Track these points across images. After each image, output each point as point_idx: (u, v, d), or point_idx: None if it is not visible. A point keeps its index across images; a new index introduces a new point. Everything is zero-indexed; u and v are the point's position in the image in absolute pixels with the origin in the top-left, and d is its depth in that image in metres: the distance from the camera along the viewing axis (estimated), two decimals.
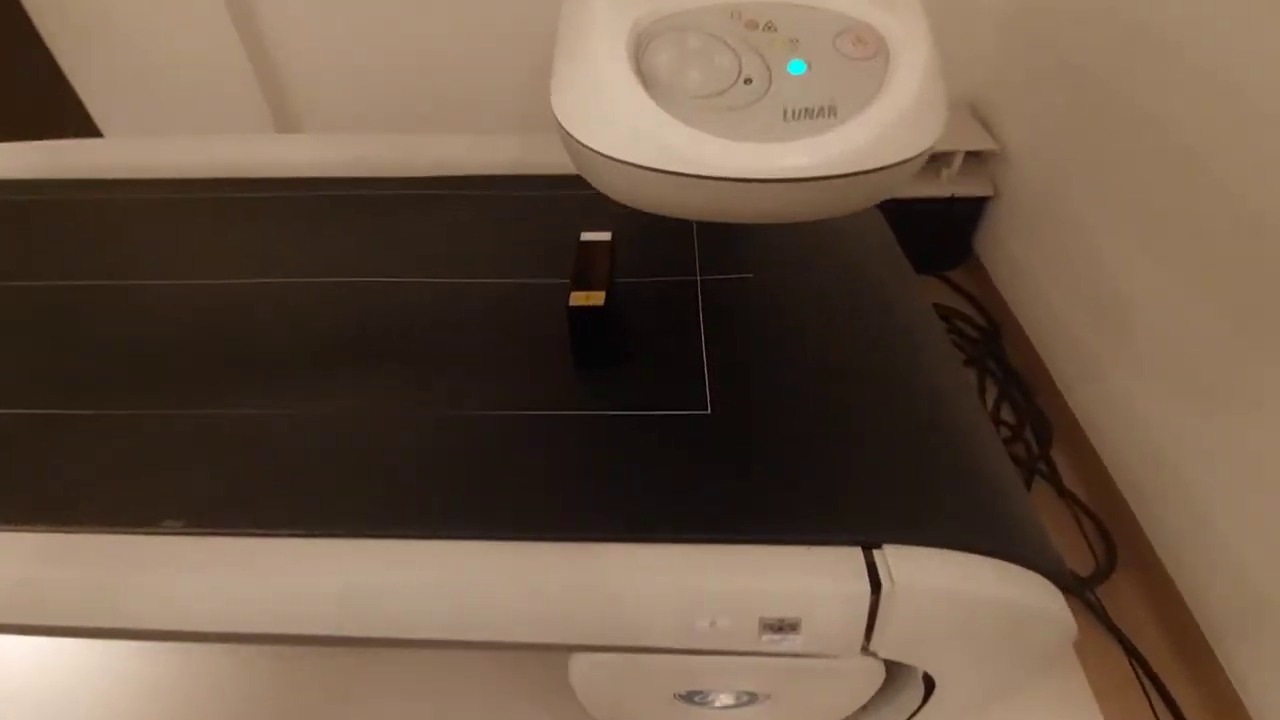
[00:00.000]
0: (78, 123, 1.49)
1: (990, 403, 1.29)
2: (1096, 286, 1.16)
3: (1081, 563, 1.07)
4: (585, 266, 0.56)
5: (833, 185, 0.30)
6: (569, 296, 0.53)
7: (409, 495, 0.45)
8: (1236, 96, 0.87)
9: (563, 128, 0.33)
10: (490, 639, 0.43)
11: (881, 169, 0.30)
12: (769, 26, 0.31)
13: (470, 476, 0.46)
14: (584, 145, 0.31)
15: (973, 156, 1.51)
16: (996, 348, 1.39)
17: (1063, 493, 1.15)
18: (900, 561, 0.41)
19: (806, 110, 0.30)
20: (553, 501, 0.44)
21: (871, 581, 0.40)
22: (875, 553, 0.42)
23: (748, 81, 0.31)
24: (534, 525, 0.43)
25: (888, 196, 0.35)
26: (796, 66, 0.31)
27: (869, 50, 0.31)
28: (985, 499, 0.46)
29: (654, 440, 0.49)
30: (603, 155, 0.31)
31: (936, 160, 1.49)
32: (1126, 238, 1.08)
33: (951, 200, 1.47)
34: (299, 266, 0.64)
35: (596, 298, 0.54)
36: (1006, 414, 1.28)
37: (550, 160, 0.79)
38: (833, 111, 0.30)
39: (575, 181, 0.81)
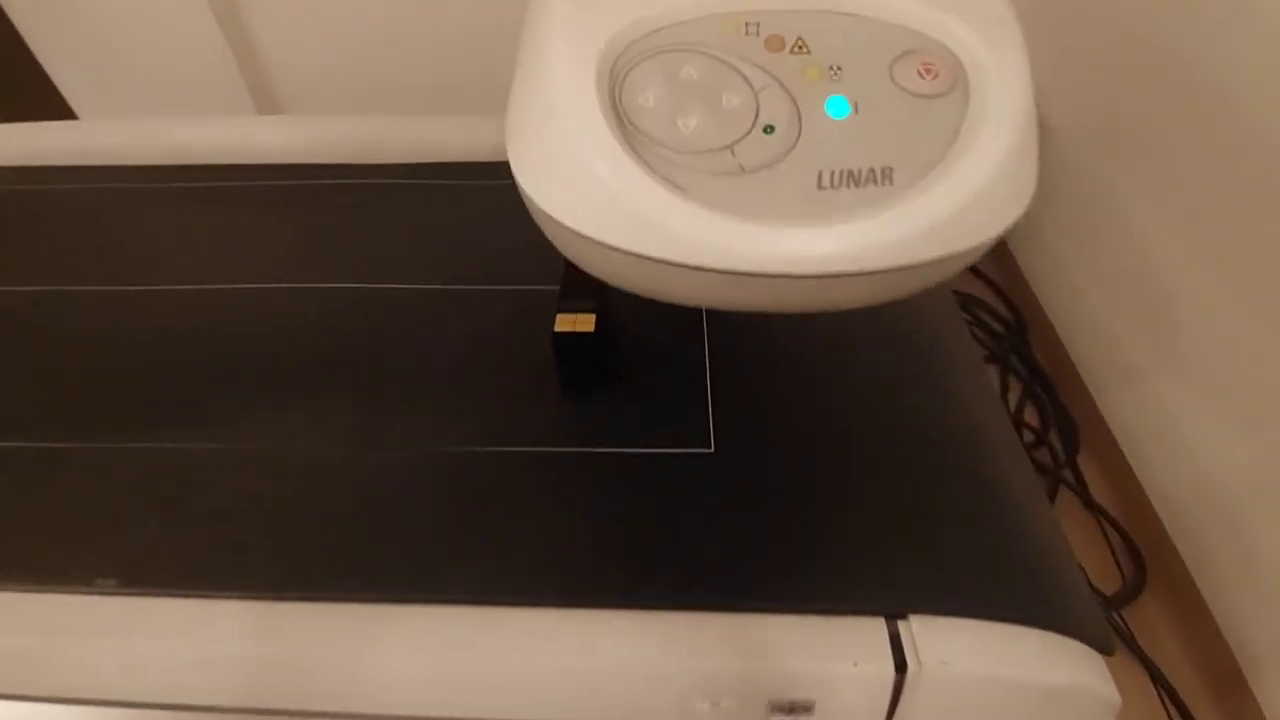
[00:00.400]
0: (51, 105, 1.38)
1: (1013, 404, 1.21)
2: (1141, 282, 1.06)
3: (1108, 580, 1.00)
4: (574, 282, 0.47)
5: (884, 278, 0.21)
6: (554, 319, 0.45)
7: (370, 551, 0.38)
8: None
9: (524, 192, 0.24)
10: (463, 717, 0.37)
11: (953, 257, 0.21)
12: (800, 46, 0.22)
13: (439, 529, 0.39)
14: (546, 213, 0.22)
15: None
16: (1021, 343, 1.30)
17: (1090, 505, 1.07)
18: (928, 636, 0.35)
19: (851, 174, 0.21)
20: (531, 560, 0.37)
21: (896, 661, 0.34)
22: (900, 624, 0.36)
23: (768, 130, 0.21)
24: (507, 588, 0.36)
25: (934, 284, 0.26)
26: (838, 106, 0.21)
27: (942, 82, 0.22)
28: (1021, 555, 0.39)
29: (650, 485, 0.42)
30: (569, 230, 0.22)
31: None
32: (1179, 231, 0.98)
33: None
34: (261, 269, 0.56)
35: (585, 322, 0.45)
36: (1030, 416, 1.19)
37: None
38: (888, 175, 0.21)
39: None
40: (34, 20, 1.30)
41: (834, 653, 0.34)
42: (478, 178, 0.65)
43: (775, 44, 0.22)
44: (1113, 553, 1.03)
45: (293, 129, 0.74)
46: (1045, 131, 1.32)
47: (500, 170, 0.63)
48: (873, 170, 0.21)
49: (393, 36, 1.39)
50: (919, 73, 0.22)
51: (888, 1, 0.22)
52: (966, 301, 1.36)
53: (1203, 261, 0.93)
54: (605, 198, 0.21)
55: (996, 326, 1.34)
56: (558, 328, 0.45)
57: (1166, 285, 0.99)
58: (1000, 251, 1.46)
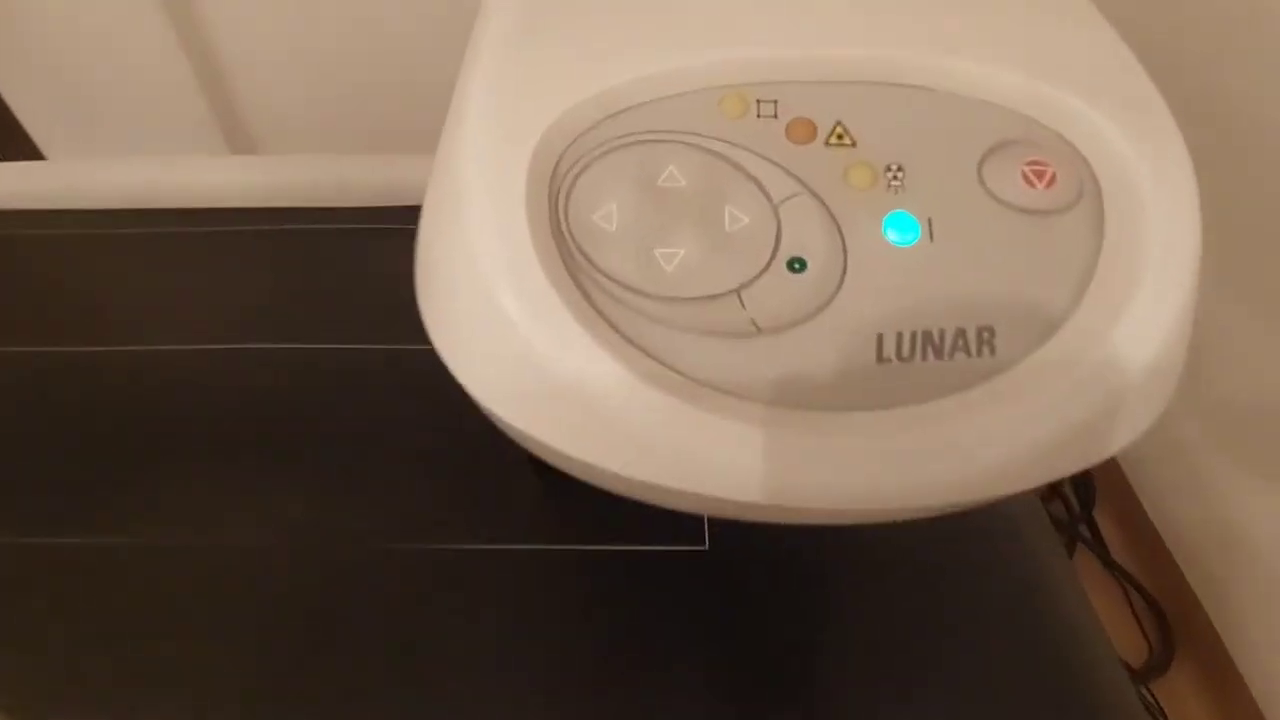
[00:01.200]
0: (17, 145, 1.30)
1: None
2: None
3: (1133, 651, 0.92)
4: None
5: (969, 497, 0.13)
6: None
7: (309, 672, 0.30)
8: None
9: (451, 370, 0.16)
10: None
11: (1070, 466, 0.13)
12: (840, 136, 0.14)
13: (392, 640, 0.31)
14: (488, 409, 0.15)
15: None
16: (1084, 507, 1.22)
17: (1109, 564, 0.99)
18: None
19: (929, 337, 0.13)
20: (498, 690, 0.29)
21: None
22: None
23: (796, 266, 0.13)
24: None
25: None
26: (904, 227, 0.14)
27: (1061, 192, 0.14)
28: (1066, 675, 0.31)
29: (636, 589, 0.34)
30: (504, 422, 0.14)
31: None
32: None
33: None
34: (214, 329, 0.49)
35: None
36: None
37: None
38: (987, 340, 0.13)
39: None
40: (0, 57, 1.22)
41: None
42: None
43: (802, 132, 0.14)
44: (1137, 619, 0.94)
45: (266, 169, 0.67)
46: None
47: None
48: (962, 332, 0.13)
49: (371, 80, 1.32)
50: (1025, 176, 0.14)
51: (970, 69, 0.15)
52: None
53: (1215, 287, 0.86)
54: (545, 382, 0.13)
55: None
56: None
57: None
58: None
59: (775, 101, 0.15)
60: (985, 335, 0.13)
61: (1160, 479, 0.99)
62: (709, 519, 0.35)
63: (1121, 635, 0.92)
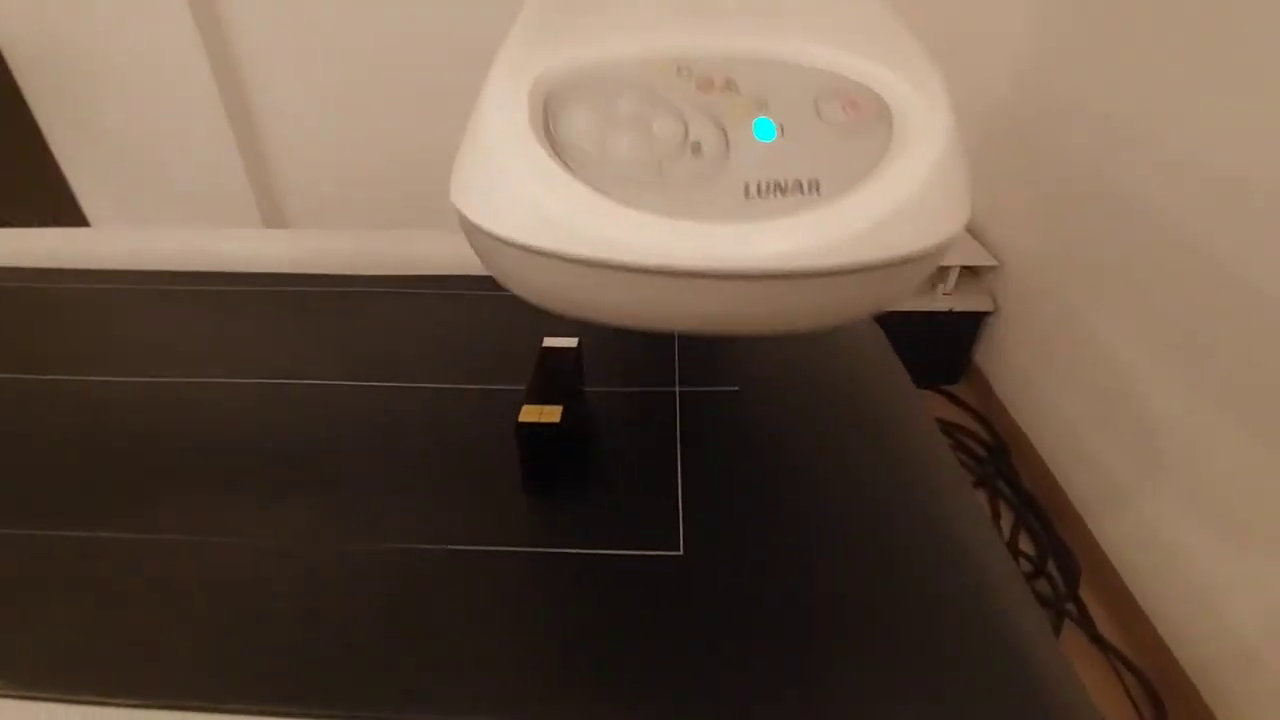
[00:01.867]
0: (68, 212, 1.46)
1: (1006, 531, 1.15)
2: (1116, 402, 1.05)
3: None
4: (544, 376, 0.47)
5: (811, 285, 0.21)
6: (519, 411, 0.43)
7: (303, 661, 0.32)
8: (1238, 188, 0.80)
9: (459, 211, 0.24)
10: None
11: (882, 264, 0.20)
12: (729, 86, 0.23)
13: (389, 633, 0.34)
14: (480, 228, 0.22)
15: (968, 271, 1.46)
16: (1006, 468, 1.27)
17: (1096, 639, 0.99)
18: None
19: (778, 184, 0.21)
20: (481, 680, 0.32)
21: None
22: None
23: (696, 149, 0.22)
24: (458, 703, 0.30)
25: (881, 309, 0.25)
26: (765, 129, 0.22)
27: (865, 116, 0.22)
28: (1034, 699, 0.33)
29: (612, 591, 0.37)
30: (501, 240, 0.21)
31: (932, 274, 1.43)
32: (1147, 352, 0.99)
33: (949, 314, 1.40)
34: (234, 365, 0.55)
35: (551, 414, 0.44)
36: (1025, 544, 1.14)
37: None
38: (815, 187, 0.21)
39: None
40: (60, 131, 1.39)
41: None
42: (470, 288, 0.66)
43: (705, 85, 0.23)
44: (1127, 692, 0.93)
45: (294, 242, 0.76)
46: (1007, 271, 1.38)
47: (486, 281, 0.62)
48: (799, 182, 0.21)
49: (405, 167, 1.50)
50: (843, 107, 0.23)
51: (815, 50, 0.24)
52: (947, 428, 1.35)
53: (1180, 383, 0.93)
54: (531, 202, 0.21)
55: (980, 451, 1.32)
56: (522, 418, 0.43)
57: (1146, 407, 0.99)
58: (976, 380, 1.47)
59: (690, 68, 0.24)
60: (814, 184, 0.21)
61: (1137, 558, 1.01)
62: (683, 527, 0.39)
63: (1114, 710, 0.90)
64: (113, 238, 0.77)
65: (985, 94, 1.40)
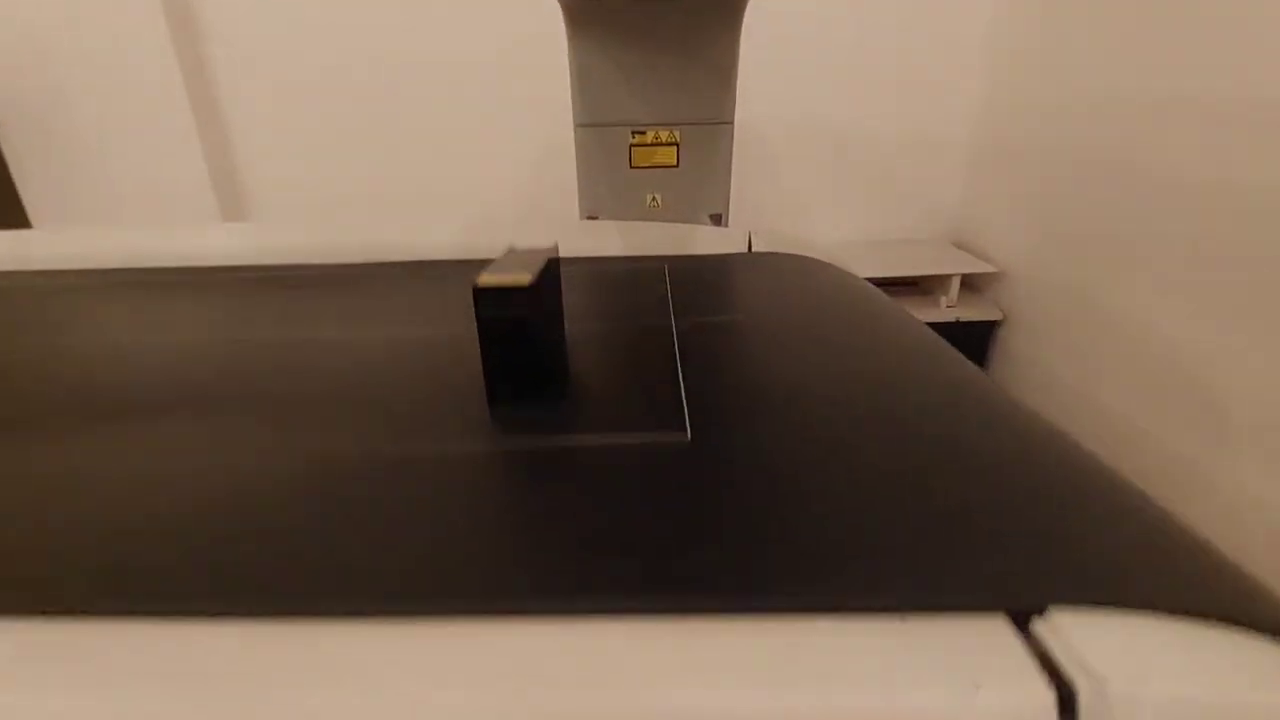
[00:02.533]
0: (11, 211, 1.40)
1: None
2: (1151, 387, 0.95)
3: None
4: (510, 261, 0.37)
5: None
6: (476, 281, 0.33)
7: (299, 556, 0.24)
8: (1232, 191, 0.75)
9: None
10: None
11: None
12: None
13: (361, 533, 0.25)
14: None
15: (970, 285, 1.39)
16: None
17: None
18: (1089, 639, 0.19)
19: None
20: (476, 556, 0.23)
21: (1054, 683, 0.18)
22: (1038, 624, 0.19)
23: None
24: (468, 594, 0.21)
25: None
26: None
27: None
28: (1146, 533, 0.24)
29: (615, 482, 0.28)
30: None
31: (934, 288, 1.37)
32: (1178, 324, 0.91)
33: (957, 324, 1.33)
34: (205, 332, 0.49)
35: (520, 278, 0.34)
36: None
37: (496, 246, 0.69)
38: None
39: None
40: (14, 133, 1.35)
41: (935, 673, 0.18)
42: (432, 272, 0.61)
43: None
44: None
45: (257, 235, 0.72)
46: (1010, 280, 1.32)
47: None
48: None
49: (372, 199, 1.47)
50: None
51: None
52: None
53: (1209, 345, 0.84)
54: None
55: None
56: (480, 283, 0.34)
57: (1184, 382, 0.89)
58: None
59: None
60: None
61: None
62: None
63: None
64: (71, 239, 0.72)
65: (961, 123, 1.41)
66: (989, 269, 1.33)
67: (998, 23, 1.32)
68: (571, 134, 0.88)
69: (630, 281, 0.55)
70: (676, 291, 0.50)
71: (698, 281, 0.53)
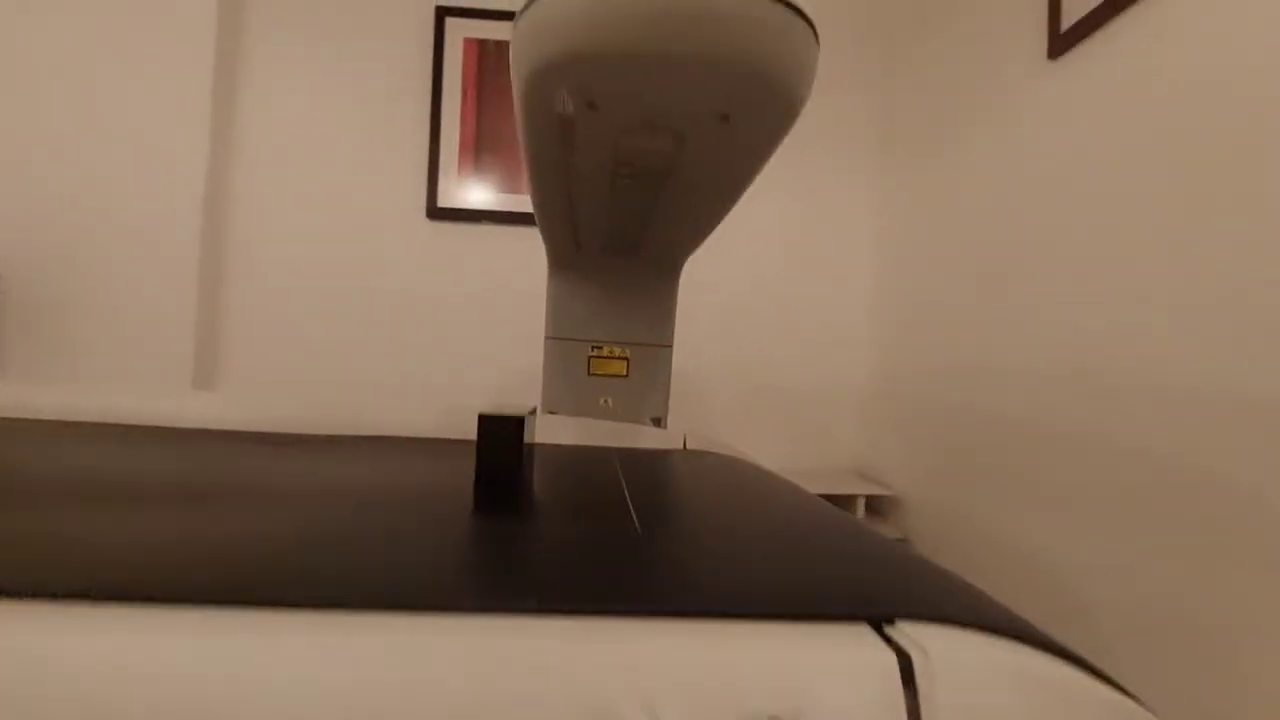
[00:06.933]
0: None
1: None
2: (1050, 605, 1.06)
3: None
4: (501, 406, 0.49)
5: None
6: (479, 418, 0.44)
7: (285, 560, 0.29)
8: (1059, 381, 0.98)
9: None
10: None
11: None
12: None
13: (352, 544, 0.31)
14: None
15: (873, 507, 1.55)
16: None
17: None
18: (922, 634, 0.28)
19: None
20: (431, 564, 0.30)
21: (898, 655, 0.27)
22: (888, 628, 0.29)
23: None
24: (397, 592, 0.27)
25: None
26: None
27: None
28: (956, 586, 0.34)
29: (578, 551, 0.35)
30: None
31: (843, 507, 1.50)
32: (1053, 539, 1.06)
33: None
34: (178, 467, 0.50)
35: (517, 410, 0.46)
36: None
37: (471, 429, 0.76)
38: None
39: None
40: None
41: (820, 651, 0.27)
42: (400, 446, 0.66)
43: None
44: None
45: (232, 402, 0.75)
46: (906, 504, 1.48)
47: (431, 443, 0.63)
48: None
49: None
50: None
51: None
52: None
53: (1096, 565, 0.98)
54: None
55: None
56: (484, 412, 0.45)
57: (1077, 601, 1.01)
58: None
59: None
60: None
61: None
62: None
63: None
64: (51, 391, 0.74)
65: (855, 370, 1.71)
66: (888, 493, 1.50)
67: (877, 305, 1.68)
68: (534, 345, 1.04)
69: (585, 463, 0.61)
70: (628, 474, 0.56)
71: (645, 468, 0.60)
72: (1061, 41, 0.99)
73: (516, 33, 0.42)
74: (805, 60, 0.37)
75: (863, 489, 1.50)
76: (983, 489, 1.22)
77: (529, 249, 1.65)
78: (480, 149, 1.63)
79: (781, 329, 1.70)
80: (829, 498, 1.51)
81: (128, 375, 1.45)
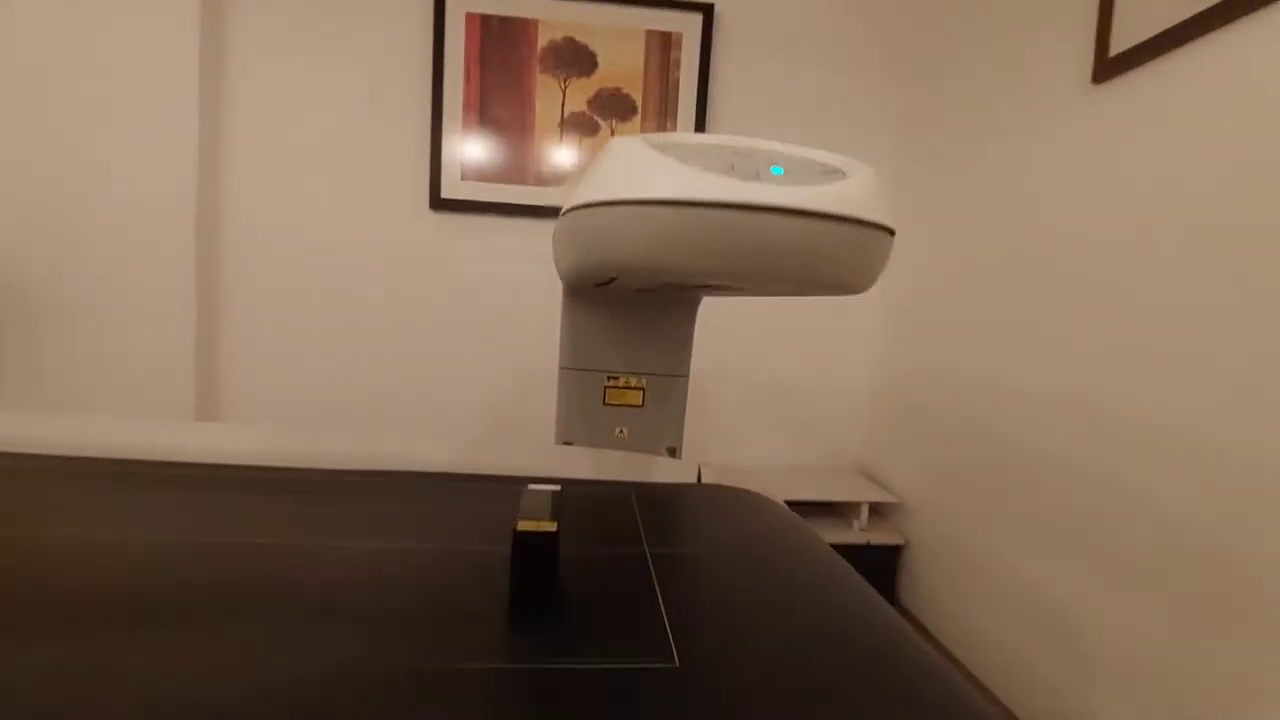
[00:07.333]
0: None
1: None
2: (1028, 613, 1.09)
3: None
4: (531, 508, 0.48)
5: (801, 225, 0.29)
6: (515, 526, 0.43)
7: None
8: (1095, 424, 0.98)
9: (598, 202, 0.32)
10: None
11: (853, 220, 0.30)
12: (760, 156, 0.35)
13: None
14: (623, 201, 0.30)
15: (877, 511, 1.57)
16: None
17: None
18: None
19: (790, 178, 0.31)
20: None
21: None
22: None
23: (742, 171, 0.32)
24: None
25: (846, 271, 0.34)
26: (777, 170, 0.33)
27: (827, 168, 0.34)
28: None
29: (614, 706, 0.34)
30: (640, 202, 0.29)
31: (845, 513, 1.54)
32: (1054, 566, 1.07)
33: (868, 547, 1.47)
34: (204, 529, 0.51)
35: (548, 525, 0.45)
36: None
37: (487, 463, 0.76)
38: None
39: (513, 480, 0.73)
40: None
41: None
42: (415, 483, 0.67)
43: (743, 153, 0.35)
44: None
45: (246, 437, 0.74)
46: (909, 509, 1.50)
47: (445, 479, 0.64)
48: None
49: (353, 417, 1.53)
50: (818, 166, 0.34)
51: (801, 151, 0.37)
52: None
53: (1086, 583, 1.00)
54: (655, 177, 0.30)
55: None
56: (520, 528, 0.44)
57: (1054, 608, 1.03)
58: (904, 611, 1.48)
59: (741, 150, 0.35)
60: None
61: None
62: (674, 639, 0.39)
63: None
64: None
65: (864, 374, 1.70)
66: (891, 499, 1.51)
67: (885, 309, 1.66)
68: (546, 371, 1.03)
69: (605, 506, 0.62)
70: (645, 518, 0.58)
71: (662, 510, 0.61)
72: (1109, 67, 0.94)
73: (571, 224, 0.38)
74: (880, 263, 0.35)
75: (866, 494, 1.52)
76: (982, 503, 1.23)
77: (537, 243, 1.60)
78: (486, 134, 1.56)
79: (788, 330, 1.68)
80: (835, 505, 1.54)
81: (126, 372, 1.42)
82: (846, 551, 1.43)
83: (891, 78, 1.64)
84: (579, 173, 0.40)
